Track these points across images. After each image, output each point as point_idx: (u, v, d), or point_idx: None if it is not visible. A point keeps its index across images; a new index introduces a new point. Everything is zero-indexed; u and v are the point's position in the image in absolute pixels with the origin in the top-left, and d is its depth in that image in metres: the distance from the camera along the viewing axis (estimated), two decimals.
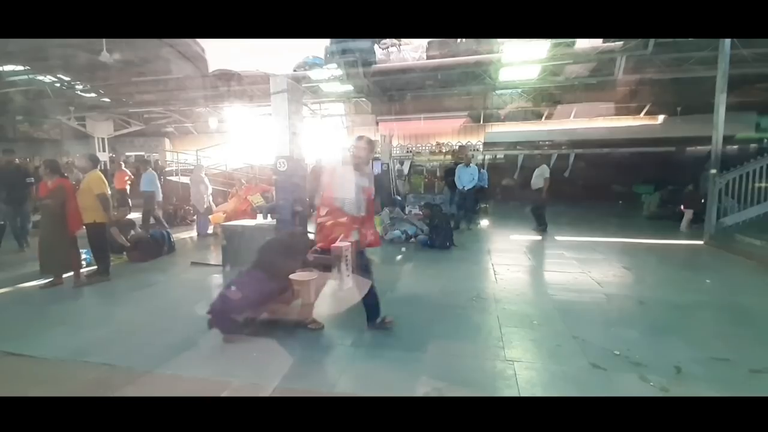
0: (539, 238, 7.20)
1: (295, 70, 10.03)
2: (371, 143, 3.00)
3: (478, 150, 14.25)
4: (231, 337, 2.91)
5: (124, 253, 5.73)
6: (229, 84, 11.11)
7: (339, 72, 9.82)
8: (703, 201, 7.38)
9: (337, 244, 2.67)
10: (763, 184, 6.45)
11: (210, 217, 7.92)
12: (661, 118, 13.23)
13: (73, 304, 3.99)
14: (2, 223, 6.27)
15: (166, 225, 7.77)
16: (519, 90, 13.06)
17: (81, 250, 5.17)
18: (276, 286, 3.00)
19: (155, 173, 8.37)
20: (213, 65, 10.57)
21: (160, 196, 8.34)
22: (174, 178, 12.58)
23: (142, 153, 18.01)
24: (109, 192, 4.66)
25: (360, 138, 2.96)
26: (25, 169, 6.99)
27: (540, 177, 7.62)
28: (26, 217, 6.42)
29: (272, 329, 3.06)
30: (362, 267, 2.86)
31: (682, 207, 8.13)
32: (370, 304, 2.99)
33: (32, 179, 6.46)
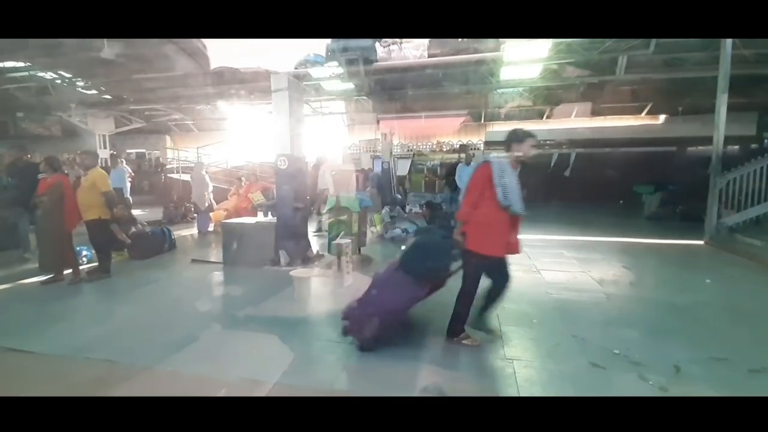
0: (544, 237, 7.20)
1: (296, 68, 10.00)
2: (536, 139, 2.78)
3: (479, 149, 14.23)
4: (366, 346, 2.68)
5: (125, 250, 5.74)
6: (230, 81, 11.08)
7: (340, 70, 9.80)
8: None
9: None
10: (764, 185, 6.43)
11: (211, 214, 7.94)
12: (662, 118, 13.21)
13: (74, 300, 4.00)
14: (15, 222, 6.21)
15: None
16: (520, 89, 13.01)
17: (82, 247, 5.18)
18: (422, 292, 2.82)
19: (125, 169, 8.20)
20: (214, 63, 10.54)
21: (127, 193, 8.13)
22: (175, 176, 12.60)
23: (143, 150, 18.02)
24: (112, 189, 4.68)
25: (529, 136, 2.73)
26: (36, 167, 6.86)
27: None
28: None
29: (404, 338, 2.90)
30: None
31: None
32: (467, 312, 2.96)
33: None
